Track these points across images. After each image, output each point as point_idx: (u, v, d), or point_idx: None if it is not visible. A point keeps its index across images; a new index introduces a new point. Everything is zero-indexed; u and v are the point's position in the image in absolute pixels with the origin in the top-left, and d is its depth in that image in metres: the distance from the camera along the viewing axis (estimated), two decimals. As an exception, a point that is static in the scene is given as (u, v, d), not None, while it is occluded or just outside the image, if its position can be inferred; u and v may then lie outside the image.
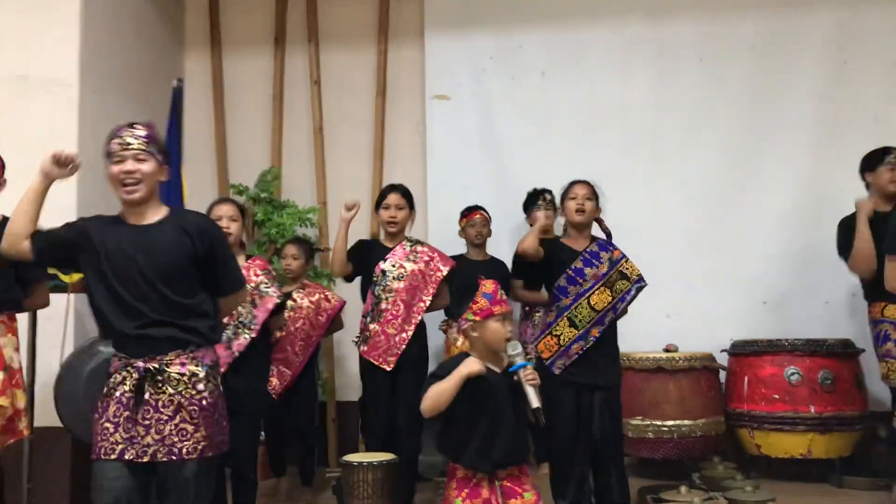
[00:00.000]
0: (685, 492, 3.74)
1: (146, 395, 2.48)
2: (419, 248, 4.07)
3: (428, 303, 3.97)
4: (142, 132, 2.59)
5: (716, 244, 5.04)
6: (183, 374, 2.51)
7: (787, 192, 5.01)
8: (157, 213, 2.64)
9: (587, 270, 3.61)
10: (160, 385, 2.49)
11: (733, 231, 5.04)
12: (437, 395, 2.62)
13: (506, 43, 5.39)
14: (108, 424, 2.49)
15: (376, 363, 3.90)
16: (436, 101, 5.40)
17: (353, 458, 3.64)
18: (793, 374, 4.34)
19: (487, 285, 2.79)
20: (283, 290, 4.27)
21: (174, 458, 2.46)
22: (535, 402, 2.64)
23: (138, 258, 2.52)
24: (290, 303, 4.33)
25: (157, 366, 2.49)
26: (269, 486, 4.40)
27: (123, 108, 4.64)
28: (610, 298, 3.58)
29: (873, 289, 3.95)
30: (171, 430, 2.47)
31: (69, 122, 4.23)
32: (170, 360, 2.51)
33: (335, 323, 4.59)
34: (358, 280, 4.13)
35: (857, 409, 4.33)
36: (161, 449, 2.46)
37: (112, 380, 2.53)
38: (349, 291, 4.46)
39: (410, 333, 3.90)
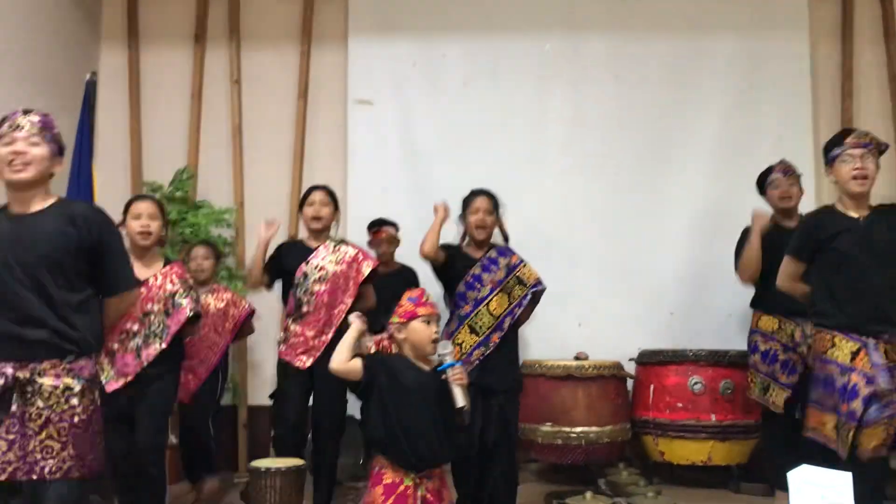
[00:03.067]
0: (590, 497, 3.82)
1: (13, 407, 2.30)
2: (342, 248, 3.98)
3: (349, 304, 3.86)
4: (36, 118, 2.52)
5: (626, 256, 5.18)
6: (56, 387, 2.35)
7: (694, 207, 5.20)
8: (43, 202, 2.52)
9: (485, 276, 3.69)
10: (29, 397, 2.32)
11: (643, 243, 5.19)
12: (339, 347, 2.74)
13: (428, 51, 5.43)
14: None
15: (291, 362, 3.85)
16: (357, 105, 5.39)
17: (260, 463, 3.61)
18: (696, 383, 4.49)
19: (413, 290, 2.87)
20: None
21: (34, 477, 2.28)
22: (460, 401, 2.68)
23: (17, 248, 2.40)
24: (199, 308, 4.23)
25: (28, 375, 2.33)
26: (179, 490, 4.31)
27: (34, 99, 4.43)
28: (507, 304, 3.66)
29: (755, 298, 4.18)
30: (35, 446, 2.29)
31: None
32: (44, 369, 2.35)
33: (245, 328, 4.47)
34: (279, 283, 4.06)
35: (754, 418, 4.47)
36: (22, 467, 2.28)
37: None
38: (270, 295, 4.29)
39: (330, 336, 3.80)
